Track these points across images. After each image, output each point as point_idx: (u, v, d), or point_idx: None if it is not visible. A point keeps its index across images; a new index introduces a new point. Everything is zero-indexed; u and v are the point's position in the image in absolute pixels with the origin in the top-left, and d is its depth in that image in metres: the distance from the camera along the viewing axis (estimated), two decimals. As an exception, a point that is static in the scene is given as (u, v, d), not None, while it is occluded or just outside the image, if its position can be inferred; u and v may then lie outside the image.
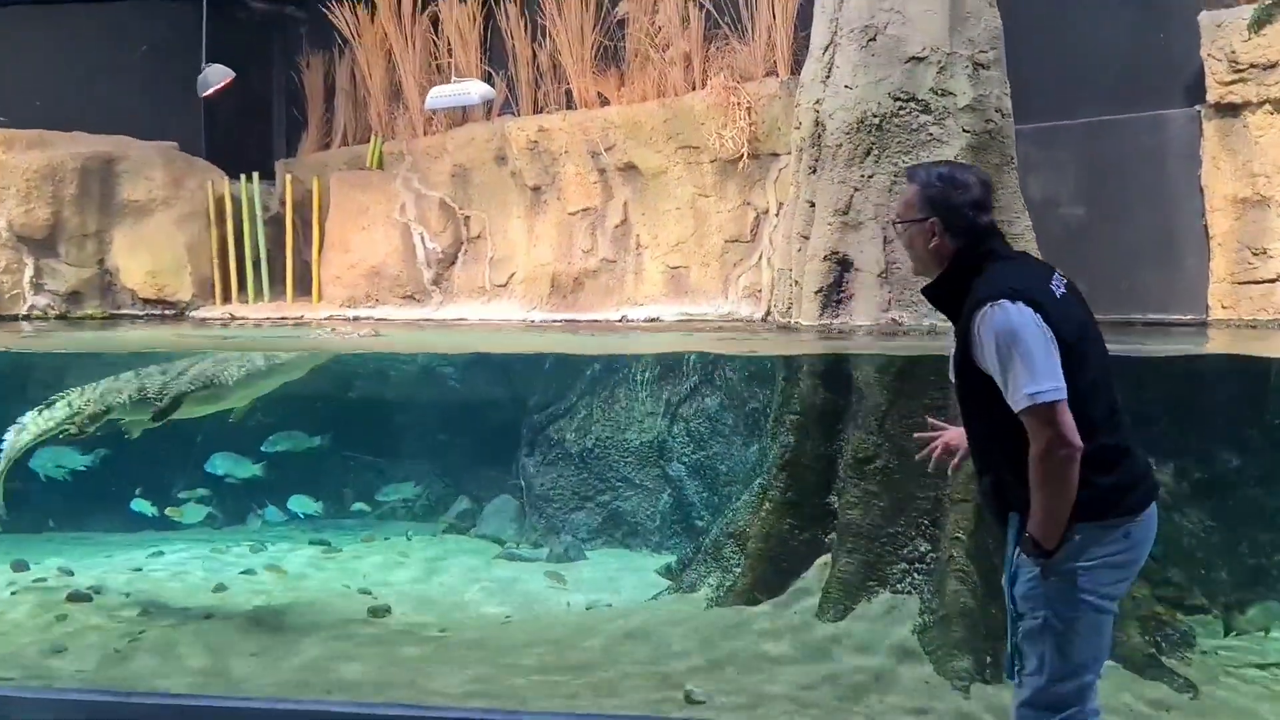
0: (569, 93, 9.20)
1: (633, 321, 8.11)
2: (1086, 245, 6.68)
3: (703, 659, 5.36)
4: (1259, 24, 5.96)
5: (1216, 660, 5.60)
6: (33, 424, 6.64)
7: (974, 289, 3.15)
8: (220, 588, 7.00)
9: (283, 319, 9.53)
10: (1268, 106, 6.07)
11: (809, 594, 5.76)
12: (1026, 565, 3.16)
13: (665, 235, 8.62)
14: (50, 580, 7.11)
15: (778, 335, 6.61)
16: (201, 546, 8.10)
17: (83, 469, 7.85)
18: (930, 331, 5.61)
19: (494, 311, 9.14)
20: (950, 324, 3.30)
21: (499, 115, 9.82)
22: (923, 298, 3.43)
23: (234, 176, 10.80)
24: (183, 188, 10.84)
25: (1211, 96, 6.22)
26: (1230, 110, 6.22)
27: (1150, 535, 3.22)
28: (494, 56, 9.82)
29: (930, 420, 3.83)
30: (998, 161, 6.04)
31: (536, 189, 9.53)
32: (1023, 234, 5.96)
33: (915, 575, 5.57)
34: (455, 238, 10.24)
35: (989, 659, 5.09)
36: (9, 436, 6.74)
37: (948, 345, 3.33)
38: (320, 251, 10.68)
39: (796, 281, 6.46)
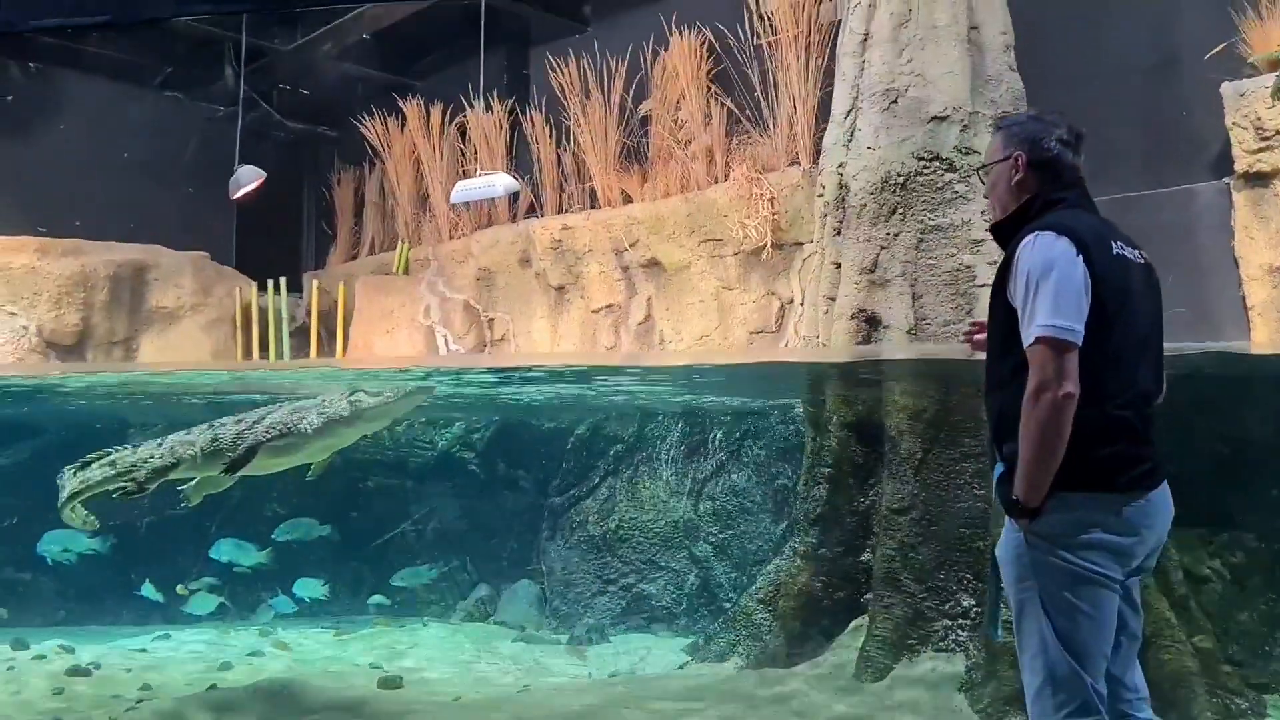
0: (593, 192, 9.42)
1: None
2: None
3: (734, 721, 5.01)
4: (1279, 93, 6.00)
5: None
6: (68, 483, 5.92)
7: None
8: (226, 665, 6.69)
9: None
10: None
11: (846, 654, 5.43)
12: (1011, 527, 3.00)
13: (689, 329, 8.61)
14: (50, 657, 6.83)
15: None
16: (209, 631, 7.79)
17: (90, 554, 7.62)
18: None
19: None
20: None
21: (524, 218, 10.05)
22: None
23: (262, 285, 11.00)
24: (211, 295, 11.05)
25: (1239, 166, 6.15)
26: (1259, 179, 6.12)
27: (1154, 523, 2.99)
28: (520, 161, 10.11)
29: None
30: (1026, 217, 6.04)
31: (560, 288, 9.63)
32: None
33: (959, 632, 5.26)
34: (479, 339, 10.30)
35: (1044, 715, 4.72)
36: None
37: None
38: (345, 354, 10.76)
39: (824, 344, 6.39)
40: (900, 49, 6.14)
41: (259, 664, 6.80)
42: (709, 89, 8.61)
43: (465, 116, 10.29)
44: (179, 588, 7.72)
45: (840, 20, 6.98)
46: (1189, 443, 6.37)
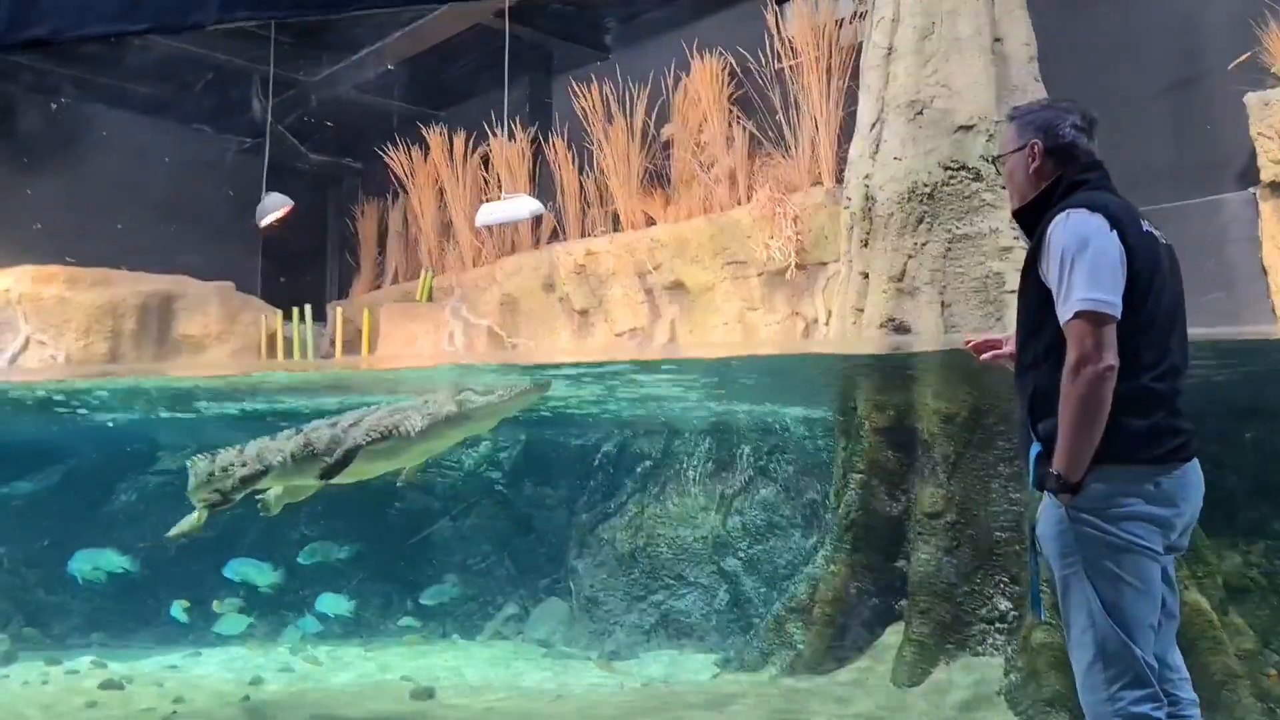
0: (616, 216, 9.50)
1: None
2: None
3: (773, 726, 4.97)
4: (1305, 101, 6.03)
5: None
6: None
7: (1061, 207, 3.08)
8: (258, 680, 6.67)
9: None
10: None
11: (882, 660, 5.39)
12: (1052, 504, 2.99)
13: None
14: (83, 672, 6.83)
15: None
16: (239, 650, 7.78)
17: (120, 572, 7.63)
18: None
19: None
20: None
21: (547, 244, 10.14)
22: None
23: (287, 314, 11.10)
24: (237, 323, 11.15)
25: (1265, 176, 6.16)
26: (1286, 187, 6.21)
27: (1189, 496, 3.01)
28: (542, 188, 10.21)
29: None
30: (1054, 225, 6.08)
31: (584, 312, 9.69)
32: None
33: (996, 635, 5.22)
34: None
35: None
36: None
37: None
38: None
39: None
40: (925, 60, 6.22)
41: (290, 679, 6.78)
42: (731, 112, 8.71)
43: (488, 145, 10.42)
44: (215, 604, 7.70)
45: (862, 41, 7.08)
46: (1226, 454, 6.35)
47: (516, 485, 9.04)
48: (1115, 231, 2.95)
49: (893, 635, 5.52)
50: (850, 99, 7.36)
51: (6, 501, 8.95)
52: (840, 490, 5.97)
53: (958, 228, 6.06)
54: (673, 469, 8.02)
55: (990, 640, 5.24)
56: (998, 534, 5.37)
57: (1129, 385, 2.90)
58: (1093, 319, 2.86)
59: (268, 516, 5.91)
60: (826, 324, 7.86)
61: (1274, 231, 6.26)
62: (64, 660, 7.23)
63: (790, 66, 8.22)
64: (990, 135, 6.11)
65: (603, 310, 9.52)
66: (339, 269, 12.80)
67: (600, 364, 7.88)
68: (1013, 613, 5.27)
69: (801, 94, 8.16)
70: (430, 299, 10.94)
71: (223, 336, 11.09)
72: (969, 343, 3.57)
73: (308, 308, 10.99)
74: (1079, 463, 2.90)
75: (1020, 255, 6.04)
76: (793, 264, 7.97)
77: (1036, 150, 3.22)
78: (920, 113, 6.22)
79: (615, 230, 9.49)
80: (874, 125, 6.45)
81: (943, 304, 6.03)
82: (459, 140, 10.68)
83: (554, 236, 10.14)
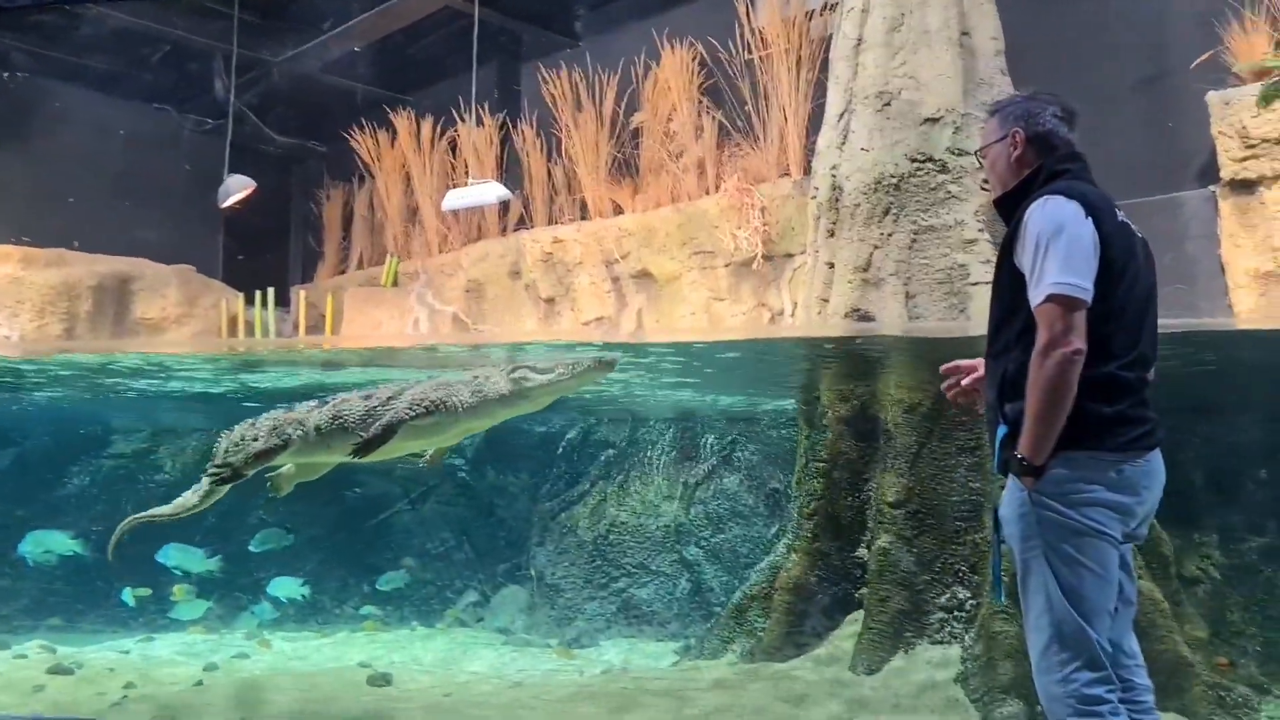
0: (583, 204, 9.46)
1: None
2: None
3: (730, 712, 4.96)
4: (1268, 100, 6.07)
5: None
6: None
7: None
8: (211, 666, 6.57)
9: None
10: None
11: (842, 648, 5.40)
12: (1015, 487, 3.02)
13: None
14: (31, 656, 6.69)
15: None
16: (193, 635, 7.66)
17: (70, 555, 7.48)
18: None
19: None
20: None
21: (514, 231, 10.07)
22: None
23: (249, 298, 10.95)
24: (197, 306, 10.98)
25: (1225, 174, 6.25)
26: (1245, 186, 6.22)
27: (1151, 485, 3.03)
28: (510, 175, 10.15)
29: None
30: (1017, 221, 6.12)
31: (550, 300, 9.64)
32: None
33: (955, 624, 5.25)
34: (467, 352, 10.29)
35: (1039, 703, 4.71)
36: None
37: None
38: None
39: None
40: (893, 52, 6.24)
41: (246, 664, 6.69)
42: (700, 102, 8.69)
43: (456, 130, 10.34)
44: (177, 589, 7.57)
45: (831, 34, 7.09)
46: (1181, 446, 6.44)
47: (479, 472, 8.98)
48: (1091, 219, 2.97)
49: (852, 623, 5.54)
50: (819, 91, 7.36)
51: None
52: (802, 479, 5.98)
53: (923, 219, 6.08)
54: (636, 457, 8.00)
55: (949, 629, 5.27)
56: (958, 524, 5.40)
57: (1097, 372, 2.92)
58: (1064, 303, 2.88)
59: (276, 497, 5.51)
60: (792, 315, 7.87)
61: (1232, 229, 6.34)
62: (12, 644, 7.08)
63: (760, 57, 8.22)
64: (957, 127, 6.14)
65: (569, 298, 9.48)
66: (303, 253, 12.65)
67: (561, 343, 7.81)
68: (971, 601, 5.30)
69: (771, 85, 8.17)
70: (395, 284, 10.84)
71: (182, 320, 10.91)
72: (949, 388, 3.55)
73: (270, 291, 10.85)
74: (1043, 446, 2.92)
75: (985, 248, 6.09)
76: (759, 255, 7.99)
77: (1018, 139, 3.25)
78: (888, 104, 6.23)
79: (583, 218, 9.45)
80: (842, 116, 6.46)
81: (907, 295, 6.05)
82: (426, 124, 10.58)
83: (521, 224, 10.08)
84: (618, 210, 9.20)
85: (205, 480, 5.33)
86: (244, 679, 5.99)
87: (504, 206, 10.03)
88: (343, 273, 11.88)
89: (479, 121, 10.02)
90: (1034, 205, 3.04)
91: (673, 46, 8.69)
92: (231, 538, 7.95)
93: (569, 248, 9.36)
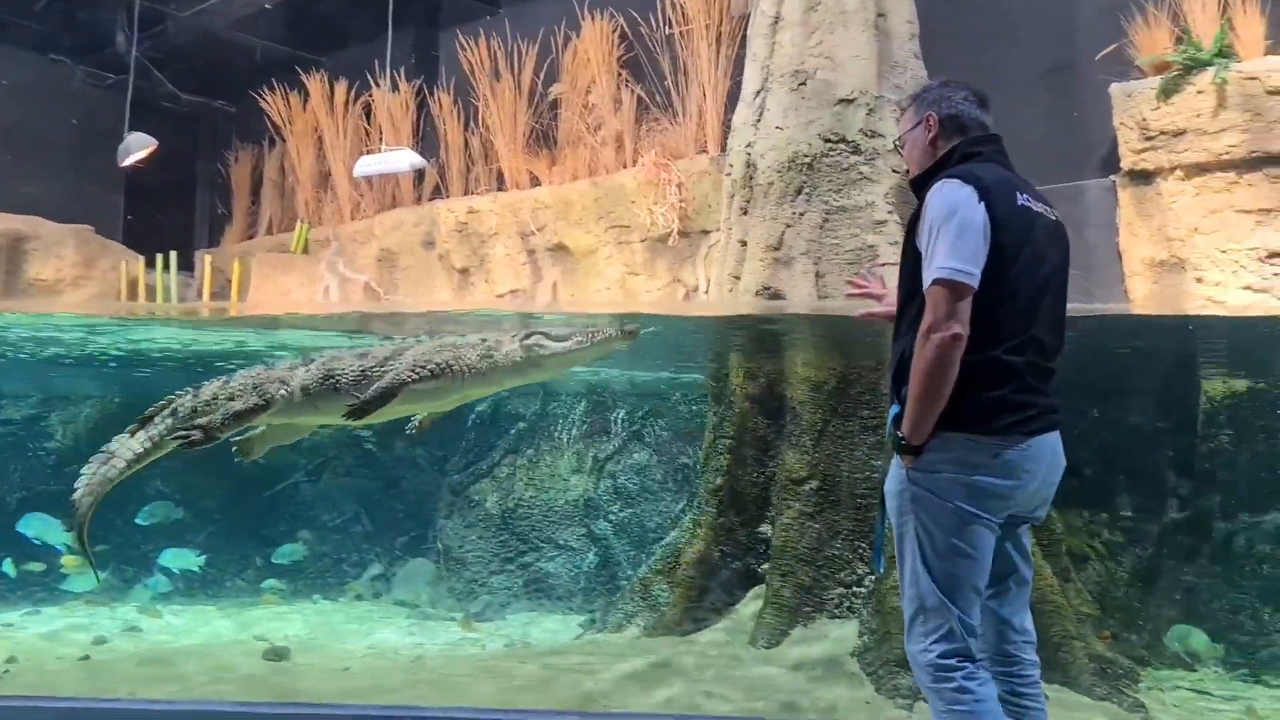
0: (500, 174, 9.33)
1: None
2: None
3: (629, 685, 4.97)
4: (1167, 93, 6.25)
5: (1158, 688, 5.46)
6: (124, 448, 4.91)
7: None
8: (101, 640, 6.36)
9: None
10: (1178, 172, 6.25)
11: (743, 621, 5.45)
12: (897, 464, 3.09)
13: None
14: (-96, 630, 6.41)
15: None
16: (83, 609, 7.40)
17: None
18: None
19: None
20: None
21: (429, 200, 9.90)
22: None
23: (150, 261, 10.58)
24: (95, 269, 10.57)
25: (1125, 164, 6.43)
26: (1143, 177, 6.41)
27: (1035, 470, 3.05)
28: (426, 143, 9.96)
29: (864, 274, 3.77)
30: (929, 204, 6.20)
31: (464, 271, 9.51)
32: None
33: (854, 599, 5.34)
34: (380, 322, 10.10)
35: (933, 676, 4.82)
36: (91, 470, 4.92)
37: None
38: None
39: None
40: (810, 32, 6.26)
41: (136, 638, 6.49)
42: (620, 75, 8.63)
43: (371, 95, 10.10)
44: (67, 559, 7.27)
45: (750, 11, 7.08)
46: (1075, 428, 6.64)
47: (387, 444, 8.84)
48: (984, 204, 2.99)
49: (754, 598, 5.60)
50: (739, 68, 7.35)
51: None
52: (710, 455, 6.01)
53: (835, 199, 6.13)
54: (547, 431, 7.96)
55: (847, 604, 5.36)
56: (859, 500, 5.48)
57: (982, 356, 2.95)
58: (949, 287, 2.91)
59: (243, 462, 5.16)
60: (707, 292, 7.90)
61: (1130, 219, 6.54)
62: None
63: (681, 32, 8.18)
64: (871, 109, 6.20)
65: (484, 270, 9.37)
66: (209, 216, 12.25)
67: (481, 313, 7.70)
68: (869, 577, 5.39)
69: (691, 60, 8.14)
70: (305, 251, 10.57)
71: (79, 282, 10.50)
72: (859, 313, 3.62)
73: (173, 255, 10.49)
74: (922, 427, 2.97)
75: (894, 230, 6.16)
76: (676, 231, 7.98)
77: (931, 122, 3.30)
78: (803, 83, 6.26)
79: (499, 189, 9.33)
80: (758, 94, 6.47)
81: (817, 274, 6.10)
82: (340, 88, 10.32)
83: (436, 193, 9.91)
84: (535, 182, 9.11)
85: (148, 436, 4.89)
86: (134, 653, 5.81)
87: (419, 175, 9.85)
88: (251, 238, 11.56)
89: (395, 87, 9.80)
90: (933, 189, 3.09)
91: (593, 18, 8.60)
92: (125, 509, 7.68)
93: (484, 218, 9.24)
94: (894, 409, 3.15)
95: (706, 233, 7.96)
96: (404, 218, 9.88)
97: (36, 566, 7.35)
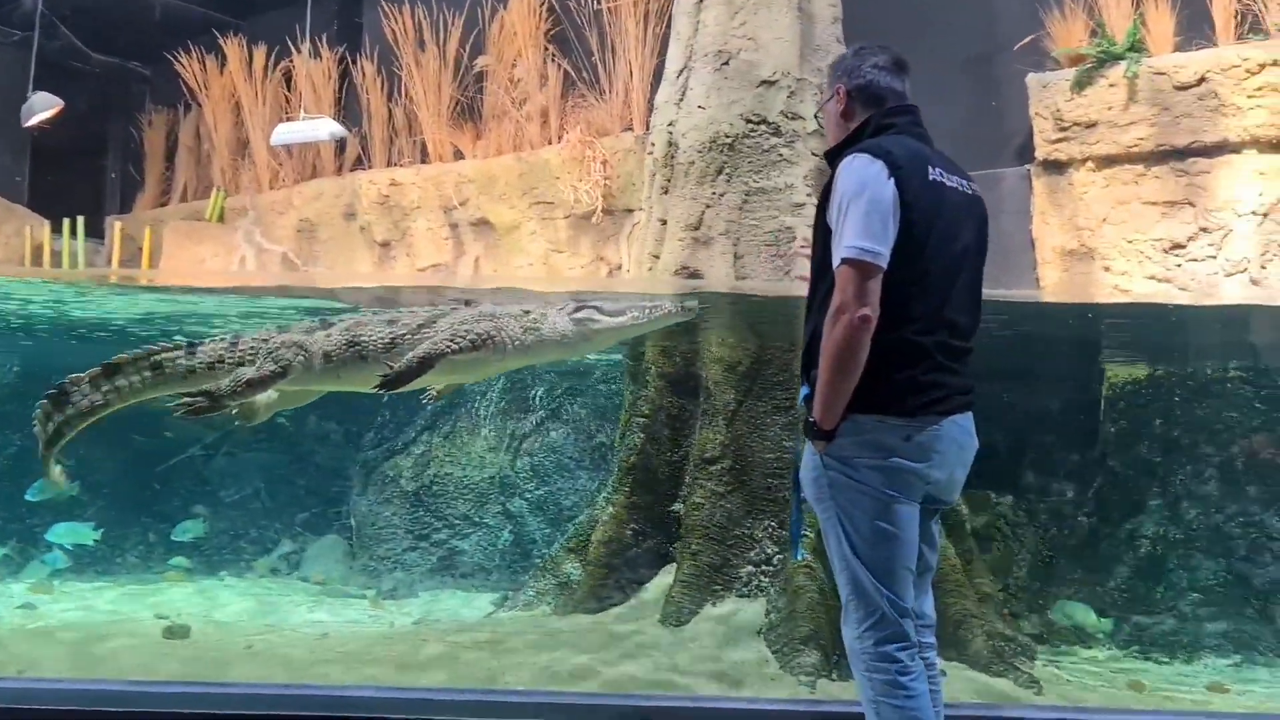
0: (423, 146, 9.18)
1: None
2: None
3: (536, 663, 4.96)
4: (1080, 85, 6.38)
5: (1054, 664, 5.62)
6: (79, 393, 4.60)
7: None
8: (-10, 619, 6.16)
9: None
10: (1090, 163, 6.38)
11: (653, 600, 5.47)
12: (810, 449, 3.05)
13: (516, 290, 8.48)
14: None
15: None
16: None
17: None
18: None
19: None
20: None
21: (350, 171, 9.70)
22: None
23: (56, 226, 10.22)
24: (-2, 233, 10.19)
25: (1040, 154, 6.54)
26: (1056, 167, 6.53)
27: (946, 450, 3.04)
28: (348, 112, 9.75)
29: None
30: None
31: (385, 244, 9.36)
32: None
33: (763, 577, 5.39)
34: (297, 294, 9.89)
35: (836, 654, 4.90)
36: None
37: None
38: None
39: (647, 300, 6.42)
40: (734, 12, 6.24)
41: (29, 616, 6.27)
42: (547, 49, 8.54)
43: (291, 61, 9.85)
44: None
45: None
46: (985, 412, 6.78)
47: (300, 419, 8.66)
48: (893, 179, 2.93)
49: (665, 576, 5.61)
50: (666, 46, 7.31)
51: None
52: (625, 433, 6.00)
53: (754, 181, 6.13)
54: (464, 408, 7.87)
55: (755, 582, 5.40)
56: (770, 481, 5.52)
57: (891, 337, 2.90)
58: (856, 267, 2.86)
59: (245, 427, 4.86)
60: (629, 270, 7.88)
61: (1044, 207, 6.68)
62: None
63: (609, 8, 8.12)
64: (792, 91, 6.21)
65: (405, 243, 9.24)
66: (121, 182, 11.85)
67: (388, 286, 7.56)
68: (778, 556, 5.44)
69: (618, 37, 8.09)
70: (221, 220, 10.30)
71: (-20, 246, 10.13)
72: None
73: (80, 220, 10.15)
74: (832, 411, 2.92)
75: (812, 212, 6.19)
76: (600, 208, 7.95)
77: (841, 93, 3.25)
78: (726, 63, 6.24)
79: (422, 162, 9.18)
80: (681, 72, 6.44)
81: (735, 255, 6.11)
82: (259, 53, 10.04)
83: (358, 164, 9.72)
84: (458, 155, 8.99)
85: (112, 386, 4.59)
86: (24, 632, 5.62)
87: (340, 145, 9.65)
88: (164, 204, 11.22)
89: (316, 54, 9.57)
90: (842, 164, 3.02)
91: (521, -10, 8.48)
92: (19, 482, 7.41)
93: (407, 191, 9.10)
94: (804, 390, 3.10)
95: (631, 211, 7.93)
96: (324, 188, 9.68)
97: None
